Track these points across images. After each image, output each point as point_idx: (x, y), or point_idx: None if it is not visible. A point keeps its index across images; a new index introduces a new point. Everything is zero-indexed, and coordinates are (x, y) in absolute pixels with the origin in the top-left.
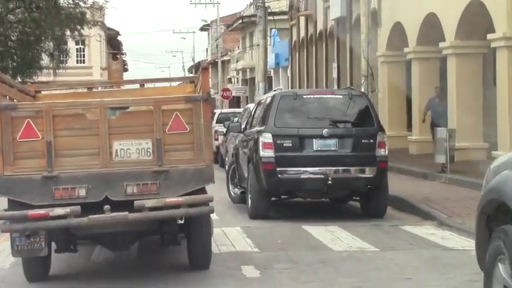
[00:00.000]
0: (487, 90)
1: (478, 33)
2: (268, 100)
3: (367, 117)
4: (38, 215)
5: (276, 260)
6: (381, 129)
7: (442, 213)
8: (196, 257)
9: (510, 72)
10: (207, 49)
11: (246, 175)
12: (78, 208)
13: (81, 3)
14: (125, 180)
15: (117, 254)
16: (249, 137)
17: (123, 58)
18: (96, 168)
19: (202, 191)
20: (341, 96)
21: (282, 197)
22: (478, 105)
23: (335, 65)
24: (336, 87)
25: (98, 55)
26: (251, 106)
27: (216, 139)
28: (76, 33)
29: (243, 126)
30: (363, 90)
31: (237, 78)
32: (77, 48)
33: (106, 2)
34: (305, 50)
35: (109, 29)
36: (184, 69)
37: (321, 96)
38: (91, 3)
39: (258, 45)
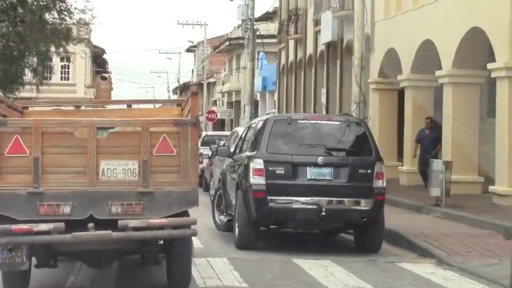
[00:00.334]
0: (481, 123)
1: (476, 63)
2: (261, 124)
3: (364, 146)
4: (21, 229)
5: None
6: (379, 159)
7: (441, 250)
8: (176, 278)
9: (511, 103)
10: (192, 70)
11: (233, 202)
12: (62, 225)
13: (67, 18)
14: (110, 200)
15: (96, 271)
16: (239, 162)
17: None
18: (82, 187)
19: (185, 213)
20: (338, 123)
21: (271, 226)
22: (474, 137)
23: (324, 90)
24: (324, 113)
25: (83, 72)
26: (239, 129)
27: (201, 162)
28: (61, 49)
29: (231, 150)
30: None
31: (222, 101)
32: (61, 65)
33: (93, 17)
34: (293, 74)
35: (95, 46)
36: (169, 90)
37: (317, 121)
38: (77, 19)
39: (245, 67)
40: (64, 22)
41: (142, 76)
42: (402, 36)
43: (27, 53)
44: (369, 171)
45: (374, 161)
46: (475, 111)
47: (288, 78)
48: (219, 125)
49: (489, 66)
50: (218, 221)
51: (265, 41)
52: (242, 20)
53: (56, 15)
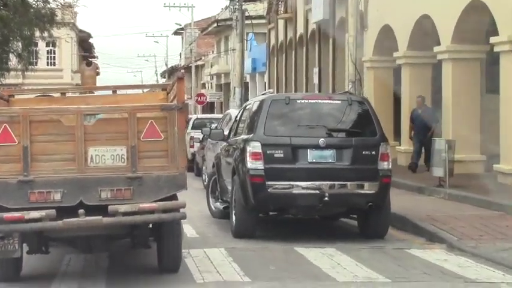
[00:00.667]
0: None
1: (476, 37)
2: (257, 105)
3: (368, 126)
4: (13, 217)
5: None
6: (384, 139)
7: (451, 234)
8: (166, 260)
9: None
10: (180, 53)
11: (229, 188)
12: (53, 212)
13: (51, 1)
14: (100, 186)
15: (88, 255)
16: (234, 146)
17: (95, 61)
18: (71, 173)
19: (174, 197)
20: (339, 102)
21: (270, 213)
22: (475, 115)
23: (316, 70)
24: (316, 92)
25: (69, 58)
26: (232, 111)
27: (192, 146)
28: (46, 33)
29: (225, 133)
30: None
31: (211, 84)
32: (47, 50)
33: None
34: (284, 54)
35: (80, 31)
36: (157, 74)
37: (317, 101)
38: (61, 1)
39: (233, 49)
40: (47, 5)
41: (130, 60)
42: (397, 12)
43: (11, 38)
44: (374, 152)
45: (378, 141)
46: (476, 87)
47: (278, 59)
48: (208, 107)
49: (492, 40)
50: (213, 208)
51: (253, 21)
52: (230, 1)
53: None
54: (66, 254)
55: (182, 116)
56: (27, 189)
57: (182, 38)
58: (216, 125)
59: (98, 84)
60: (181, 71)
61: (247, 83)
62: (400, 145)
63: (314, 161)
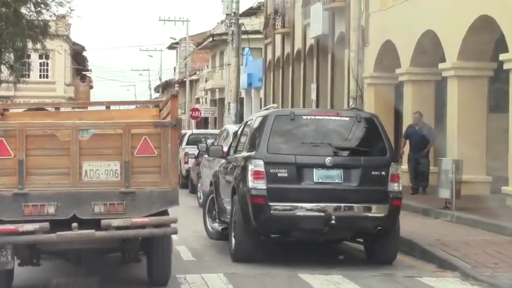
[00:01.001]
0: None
1: (484, 54)
2: (260, 120)
3: (378, 144)
4: (7, 230)
5: None
6: (395, 159)
7: (464, 261)
8: (156, 274)
9: None
10: (174, 68)
11: (228, 208)
12: (46, 225)
13: (44, 11)
14: (93, 200)
15: (79, 268)
16: (234, 164)
17: (89, 75)
18: (65, 187)
19: (165, 212)
20: (347, 118)
21: (272, 235)
22: (481, 134)
23: (314, 86)
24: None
25: (62, 70)
26: (230, 127)
27: (186, 162)
28: (38, 45)
29: (224, 149)
30: None
31: (206, 99)
32: (40, 62)
33: (71, 10)
34: (280, 69)
35: (74, 43)
36: (150, 88)
37: (324, 117)
38: (54, 12)
39: (228, 64)
40: (41, 15)
41: (124, 74)
42: (400, 27)
43: (3, 49)
44: (383, 173)
45: (389, 161)
46: (482, 105)
47: (274, 74)
48: (202, 123)
49: (502, 57)
50: (210, 229)
51: (249, 36)
52: (226, 15)
53: (32, 8)
54: (57, 267)
55: (175, 133)
56: (21, 202)
57: (177, 52)
58: (211, 140)
59: (91, 97)
60: (176, 86)
61: (243, 98)
62: (402, 164)
63: (320, 181)
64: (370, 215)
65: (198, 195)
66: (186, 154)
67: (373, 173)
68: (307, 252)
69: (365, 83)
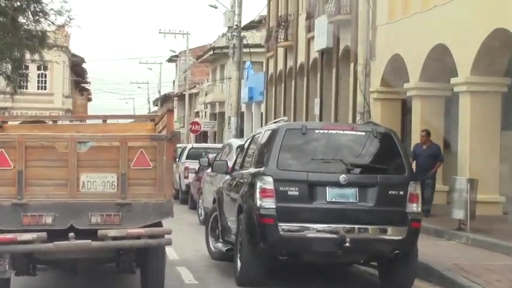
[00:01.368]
0: None
1: (498, 69)
2: (269, 134)
3: (395, 162)
4: (6, 239)
5: None
6: (414, 177)
7: None
8: (150, 285)
9: None
10: (174, 81)
11: (232, 227)
12: (44, 234)
13: (42, 20)
14: (90, 211)
15: (73, 279)
16: (241, 180)
17: (87, 87)
18: (63, 198)
19: (159, 223)
20: (363, 133)
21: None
22: (494, 152)
23: (317, 100)
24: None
25: (61, 82)
26: (233, 141)
27: (186, 177)
28: (36, 55)
29: (229, 165)
30: None
31: (205, 112)
32: (38, 74)
33: (70, 19)
34: (283, 83)
35: (73, 55)
36: (149, 102)
37: (338, 131)
38: (53, 20)
39: (229, 78)
40: (39, 24)
41: (123, 86)
42: (409, 41)
43: (0, 59)
44: (401, 192)
45: (407, 180)
46: (496, 122)
47: (276, 88)
48: (202, 137)
49: None
50: (213, 249)
51: (251, 50)
52: (228, 27)
53: (31, 17)
54: (52, 277)
55: (171, 146)
56: (20, 212)
57: (176, 65)
58: (213, 155)
59: (90, 110)
60: (175, 99)
61: (243, 112)
62: None
63: (333, 200)
64: (387, 237)
65: (199, 212)
66: (186, 169)
67: (390, 192)
68: (316, 275)
69: (371, 98)
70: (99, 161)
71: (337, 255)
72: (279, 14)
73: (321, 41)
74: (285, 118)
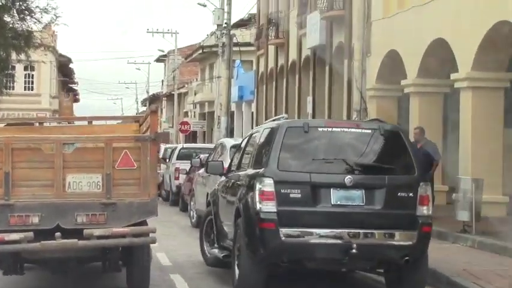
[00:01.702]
0: None
1: (501, 63)
2: (268, 132)
3: (404, 161)
4: None
5: None
6: (424, 178)
7: None
8: (136, 283)
9: None
10: (162, 81)
11: (228, 232)
12: (31, 234)
13: (28, 18)
14: (76, 210)
15: (60, 277)
16: (238, 182)
17: (75, 87)
18: (49, 198)
19: (144, 222)
20: (369, 131)
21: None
22: (497, 150)
23: (310, 99)
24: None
25: (48, 82)
26: (226, 141)
27: (177, 178)
28: (22, 55)
29: (225, 166)
30: None
31: (194, 112)
32: (25, 74)
33: (56, 17)
34: (274, 82)
35: (60, 55)
36: (137, 102)
37: (342, 129)
38: (39, 18)
39: (218, 77)
40: (24, 22)
41: (111, 86)
42: (406, 36)
43: None
44: (411, 194)
45: (417, 180)
46: (499, 120)
47: (267, 87)
48: (191, 137)
49: None
50: (208, 254)
51: (240, 48)
52: (218, 25)
53: (16, 16)
54: (40, 276)
55: (154, 147)
56: (7, 212)
57: (165, 65)
58: (204, 155)
59: (78, 111)
60: (163, 99)
61: (233, 112)
62: None
63: (338, 203)
64: (396, 243)
65: (191, 214)
66: (177, 169)
67: (399, 194)
68: (318, 281)
69: (367, 95)
70: (84, 162)
71: (343, 263)
72: (270, 11)
73: (313, 38)
74: (285, 115)
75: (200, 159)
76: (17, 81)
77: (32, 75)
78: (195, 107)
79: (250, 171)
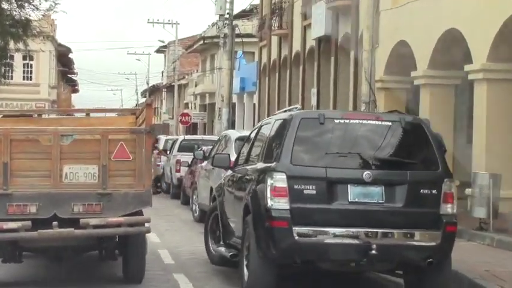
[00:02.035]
0: None
1: None
2: (280, 124)
3: (427, 156)
4: None
5: None
6: (449, 174)
7: None
8: (131, 272)
9: None
10: (162, 72)
11: (235, 229)
12: (29, 223)
13: (26, 4)
14: (72, 200)
15: (57, 266)
16: (247, 177)
17: (74, 78)
18: (47, 188)
19: (139, 212)
20: (389, 123)
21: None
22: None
23: (315, 90)
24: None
25: (47, 72)
26: (231, 132)
27: (178, 170)
28: (21, 43)
29: (232, 159)
30: None
31: (195, 104)
32: (23, 64)
33: (55, 4)
34: (277, 73)
35: (60, 45)
36: (137, 93)
37: (361, 121)
38: (37, 5)
39: (219, 68)
40: (23, 10)
41: (110, 77)
42: (417, 26)
43: None
44: (435, 191)
45: (441, 177)
46: None
47: (270, 78)
48: (191, 129)
49: None
50: (213, 252)
51: (242, 39)
52: (219, 15)
53: (14, 2)
54: (37, 264)
55: (149, 139)
56: (5, 201)
57: (165, 55)
58: (207, 147)
59: (77, 102)
60: (164, 90)
61: (234, 103)
62: None
63: (356, 200)
64: (418, 244)
65: (193, 208)
66: (178, 162)
67: (422, 191)
68: (331, 283)
69: (375, 87)
70: (81, 153)
71: (361, 264)
72: (273, 1)
73: (319, 28)
74: (298, 106)
75: (203, 152)
76: (15, 70)
77: (31, 64)
78: (196, 99)
79: (261, 165)
